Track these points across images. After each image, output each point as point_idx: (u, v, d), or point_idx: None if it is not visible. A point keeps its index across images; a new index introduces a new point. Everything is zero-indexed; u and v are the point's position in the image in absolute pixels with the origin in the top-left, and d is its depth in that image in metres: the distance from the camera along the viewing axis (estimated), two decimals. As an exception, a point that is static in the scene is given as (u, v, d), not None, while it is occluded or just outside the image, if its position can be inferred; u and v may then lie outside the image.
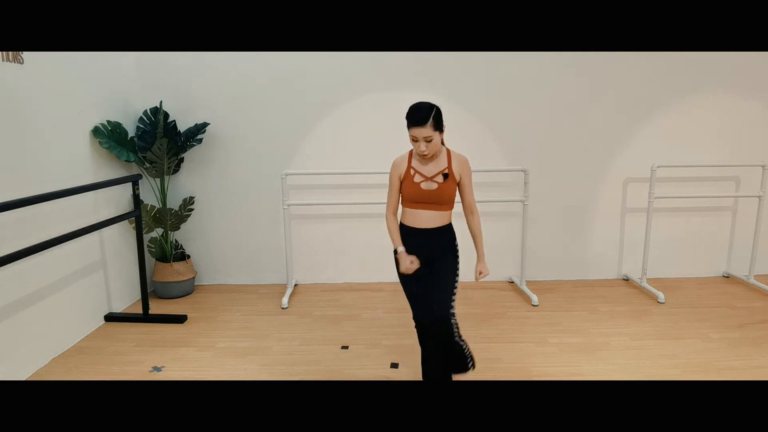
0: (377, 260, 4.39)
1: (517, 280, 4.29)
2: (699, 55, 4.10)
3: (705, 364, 2.91)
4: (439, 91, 4.13)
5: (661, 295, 3.89)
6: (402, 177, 2.39)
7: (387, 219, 2.48)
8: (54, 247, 3.03)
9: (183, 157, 4.16)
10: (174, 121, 4.09)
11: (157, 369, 2.93)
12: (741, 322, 3.50)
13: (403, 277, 2.45)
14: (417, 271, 2.39)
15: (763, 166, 4.10)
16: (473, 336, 3.30)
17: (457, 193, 2.45)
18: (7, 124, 2.76)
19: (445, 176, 2.34)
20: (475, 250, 2.52)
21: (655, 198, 4.05)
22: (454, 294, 2.47)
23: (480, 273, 2.48)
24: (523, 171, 4.02)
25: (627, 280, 4.43)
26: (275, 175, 4.22)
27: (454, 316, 2.53)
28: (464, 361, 2.61)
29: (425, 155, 2.29)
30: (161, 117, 3.86)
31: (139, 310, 3.77)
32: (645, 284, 4.14)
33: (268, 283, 4.44)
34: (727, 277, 4.47)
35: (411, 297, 2.45)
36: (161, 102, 4.00)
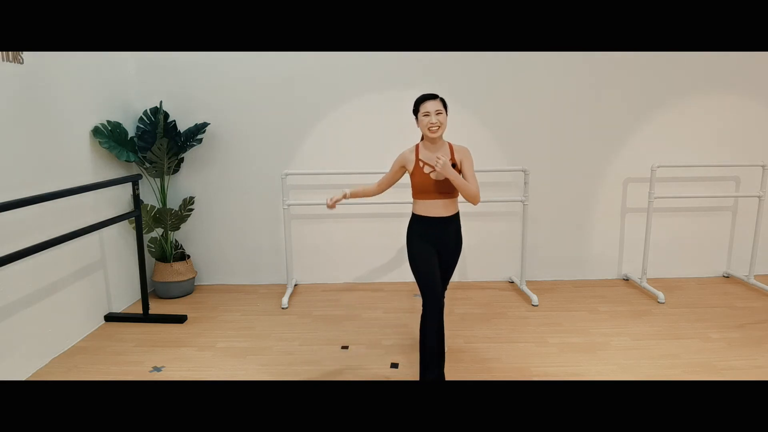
0: (377, 260, 4.39)
1: (517, 280, 4.29)
2: (699, 55, 4.10)
3: (705, 364, 2.91)
4: (440, 91, 4.08)
5: (661, 295, 3.89)
6: (411, 170, 2.55)
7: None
8: (54, 247, 3.03)
9: (183, 157, 4.16)
10: (174, 121, 4.09)
11: (157, 369, 2.93)
12: (741, 322, 3.50)
13: (420, 257, 2.53)
14: (432, 256, 2.54)
15: (763, 166, 4.10)
16: (473, 336, 3.31)
17: None
18: (7, 124, 2.76)
19: (452, 166, 2.47)
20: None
21: (655, 198, 4.05)
22: None
23: (438, 158, 2.36)
24: (523, 171, 4.02)
25: (627, 280, 4.42)
26: (275, 175, 4.22)
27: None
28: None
29: (436, 128, 2.46)
30: (161, 117, 3.86)
31: (139, 310, 3.77)
32: (645, 284, 4.14)
33: (268, 283, 4.44)
34: (727, 277, 4.47)
35: (429, 277, 2.49)
36: (161, 102, 4.00)
